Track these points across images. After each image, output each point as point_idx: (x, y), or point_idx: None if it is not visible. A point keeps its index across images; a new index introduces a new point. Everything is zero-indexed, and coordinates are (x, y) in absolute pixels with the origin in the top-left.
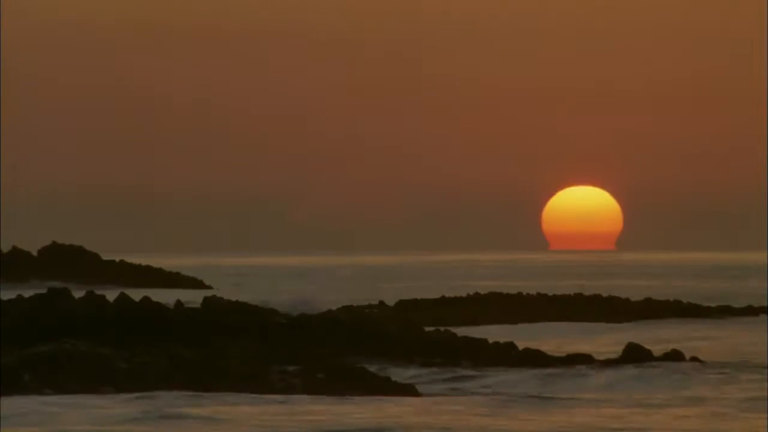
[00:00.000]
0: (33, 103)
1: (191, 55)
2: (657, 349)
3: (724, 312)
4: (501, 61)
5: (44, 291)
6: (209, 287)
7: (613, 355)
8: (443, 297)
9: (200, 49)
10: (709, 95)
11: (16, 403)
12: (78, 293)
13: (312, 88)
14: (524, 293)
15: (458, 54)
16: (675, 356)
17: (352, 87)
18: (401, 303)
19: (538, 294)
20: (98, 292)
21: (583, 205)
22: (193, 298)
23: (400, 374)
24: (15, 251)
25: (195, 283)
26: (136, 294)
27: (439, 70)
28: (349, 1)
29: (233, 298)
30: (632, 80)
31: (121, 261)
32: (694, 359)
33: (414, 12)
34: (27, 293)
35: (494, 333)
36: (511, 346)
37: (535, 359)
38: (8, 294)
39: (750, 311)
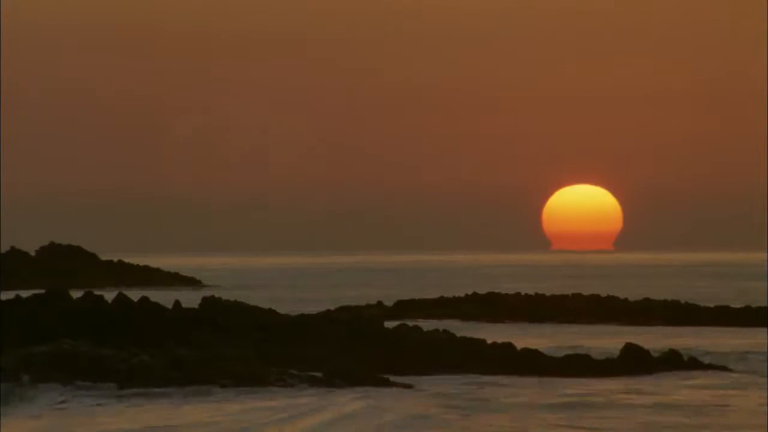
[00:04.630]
0: (32, 105)
1: (188, 58)
2: (655, 349)
3: (723, 312)
4: (502, 63)
5: (43, 291)
6: (208, 287)
7: (612, 355)
8: (441, 297)
9: (198, 51)
10: (710, 96)
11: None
12: (76, 293)
13: (314, 88)
14: (522, 293)
15: (460, 56)
16: (673, 356)
17: (352, 87)
18: (400, 303)
19: (537, 294)
20: (96, 292)
21: (583, 203)
22: (191, 298)
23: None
24: (13, 251)
25: (193, 284)
26: (134, 294)
27: (440, 73)
28: (352, 6)
29: (232, 299)
30: (633, 82)
31: (120, 261)
32: (692, 359)
33: (415, 16)
34: (25, 293)
35: (493, 332)
36: (509, 346)
37: (534, 360)
38: (7, 294)
39: (748, 311)
